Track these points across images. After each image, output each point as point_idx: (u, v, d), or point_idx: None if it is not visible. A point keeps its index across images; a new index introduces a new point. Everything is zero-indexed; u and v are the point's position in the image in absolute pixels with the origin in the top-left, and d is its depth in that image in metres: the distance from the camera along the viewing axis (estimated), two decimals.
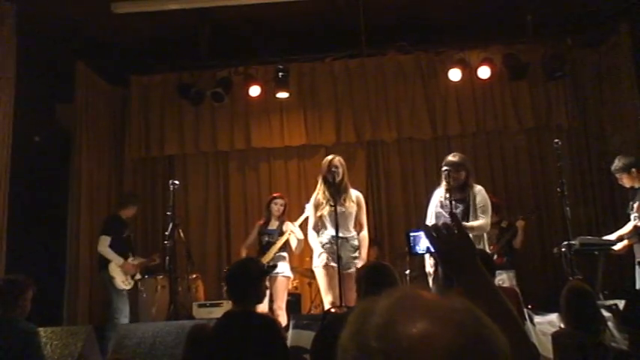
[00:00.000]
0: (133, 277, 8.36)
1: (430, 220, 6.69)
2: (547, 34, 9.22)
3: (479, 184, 6.58)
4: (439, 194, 6.83)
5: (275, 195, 8.64)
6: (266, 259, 7.69)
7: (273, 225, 8.31)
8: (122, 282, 8.17)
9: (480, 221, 6.54)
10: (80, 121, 9.28)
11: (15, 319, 4.87)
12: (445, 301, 1.01)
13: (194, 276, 8.95)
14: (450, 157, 6.74)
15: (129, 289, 8.28)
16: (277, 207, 8.34)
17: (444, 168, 6.67)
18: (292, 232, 8.02)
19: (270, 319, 4.76)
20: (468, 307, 1.01)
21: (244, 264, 4.72)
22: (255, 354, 4.01)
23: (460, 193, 6.61)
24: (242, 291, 4.31)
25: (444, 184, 6.73)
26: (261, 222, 8.43)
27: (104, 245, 8.19)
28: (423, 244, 5.36)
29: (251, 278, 4.39)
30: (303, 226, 7.81)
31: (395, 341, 0.94)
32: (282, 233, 8.17)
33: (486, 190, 6.84)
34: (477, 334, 0.96)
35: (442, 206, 6.68)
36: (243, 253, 8.38)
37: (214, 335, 4.19)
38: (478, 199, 6.67)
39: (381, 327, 0.97)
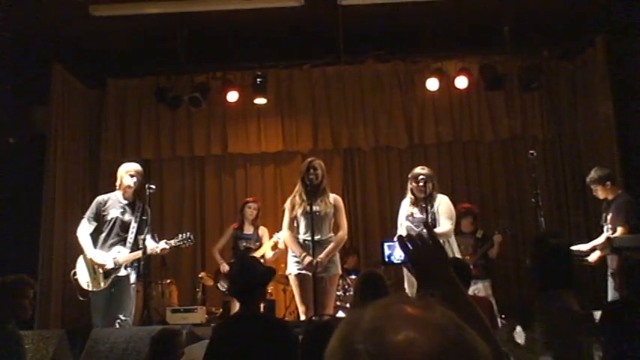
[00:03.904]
0: (107, 274, 6.89)
1: (402, 230, 6.82)
2: (523, 45, 9.23)
3: (455, 193, 6.62)
4: (407, 206, 7.02)
5: (249, 199, 8.77)
6: None
7: (249, 230, 8.41)
8: (86, 282, 6.91)
9: (444, 228, 6.64)
10: (56, 123, 9.15)
11: (3, 320, 4.74)
12: (428, 311, 1.06)
13: (168, 281, 8.90)
14: (419, 170, 6.97)
15: (97, 290, 6.90)
16: (251, 211, 8.49)
17: (421, 177, 6.83)
18: (278, 241, 8.01)
19: (284, 323, 4.71)
20: (450, 315, 1.06)
21: (252, 264, 4.68)
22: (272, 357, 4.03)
23: (427, 203, 6.77)
24: (250, 292, 4.31)
25: (410, 196, 6.99)
26: (235, 226, 8.47)
27: (79, 229, 7.07)
28: (398, 253, 5.40)
29: (260, 279, 4.42)
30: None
31: (381, 345, 0.98)
32: (258, 239, 8.28)
33: (462, 199, 6.86)
34: (458, 339, 1.01)
35: (412, 220, 6.86)
36: (217, 256, 8.50)
37: (229, 338, 4.19)
38: (442, 207, 6.85)
39: (368, 332, 1.01)
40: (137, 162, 7.66)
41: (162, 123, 10.23)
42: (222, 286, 8.31)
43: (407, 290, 6.84)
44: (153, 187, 7.51)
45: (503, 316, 6.95)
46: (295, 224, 6.83)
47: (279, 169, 10.35)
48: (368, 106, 10.12)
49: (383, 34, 9.51)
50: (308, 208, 6.59)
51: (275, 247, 8.14)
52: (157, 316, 8.12)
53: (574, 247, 7.48)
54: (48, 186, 8.96)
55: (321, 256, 6.57)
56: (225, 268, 8.25)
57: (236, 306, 7.51)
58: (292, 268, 6.78)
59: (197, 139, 10.22)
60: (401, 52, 10.00)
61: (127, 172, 7.19)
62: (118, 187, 7.26)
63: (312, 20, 8.98)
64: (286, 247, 7.15)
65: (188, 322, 7.78)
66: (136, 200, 7.27)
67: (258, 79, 9.47)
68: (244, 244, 8.31)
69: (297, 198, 6.78)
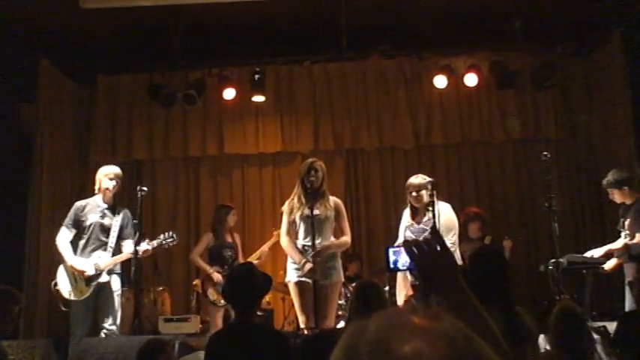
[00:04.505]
0: (89, 282, 6.73)
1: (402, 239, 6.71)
2: (536, 41, 9.14)
3: (463, 196, 6.46)
4: (407, 216, 6.93)
5: (231, 205, 8.75)
6: None
7: (229, 237, 8.38)
8: (68, 292, 6.76)
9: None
10: (43, 121, 8.98)
11: None
12: (436, 321, 1.04)
13: (160, 288, 8.80)
14: (413, 180, 6.90)
15: (80, 299, 6.76)
16: (235, 218, 8.50)
17: (415, 188, 6.78)
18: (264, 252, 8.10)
19: (281, 333, 4.87)
20: (459, 325, 1.04)
21: (253, 272, 4.57)
22: None
23: (430, 210, 6.66)
24: (250, 301, 4.32)
25: (409, 206, 6.92)
26: (213, 232, 8.38)
27: (58, 237, 6.96)
28: (403, 259, 5.18)
29: (260, 287, 4.43)
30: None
31: (387, 356, 0.97)
32: (236, 246, 8.35)
33: (470, 203, 6.66)
34: (467, 349, 1.00)
35: (413, 230, 6.77)
36: (203, 264, 8.31)
37: (226, 348, 4.18)
38: (442, 218, 6.69)
39: (374, 344, 1.00)
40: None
41: (155, 122, 10.08)
42: (212, 294, 8.08)
43: (398, 297, 6.82)
44: (145, 188, 7.37)
45: None
46: (294, 229, 6.66)
47: (278, 170, 10.20)
48: (372, 104, 9.96)
49: (388, 28, 9.34)
50: (308, 211, 6.40)
51: (259, 257, 8.13)
52: (148, 326, 8.08)
53: (587, 254, 7.31)
54: (34, 188, 8.81)
55: (318, 251, 6.36)
56: (218, 277, 8.07)
57: (217, 315, 7.97)
58: (292, 276, 6.61)
59: (192, 138, 10.07)
60: (407, 47, 9.84)
61: (106, 175, 7.10)
62: (97, 191, 7.17)
63: (313, 14, 8.84)
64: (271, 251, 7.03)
65: (181, 331, 7.75)
66: (116, 204, 7.19)
67: (257, 76, 9.34)
68: (229, 252, 8.25)
69: (296, 201, 6.61)
